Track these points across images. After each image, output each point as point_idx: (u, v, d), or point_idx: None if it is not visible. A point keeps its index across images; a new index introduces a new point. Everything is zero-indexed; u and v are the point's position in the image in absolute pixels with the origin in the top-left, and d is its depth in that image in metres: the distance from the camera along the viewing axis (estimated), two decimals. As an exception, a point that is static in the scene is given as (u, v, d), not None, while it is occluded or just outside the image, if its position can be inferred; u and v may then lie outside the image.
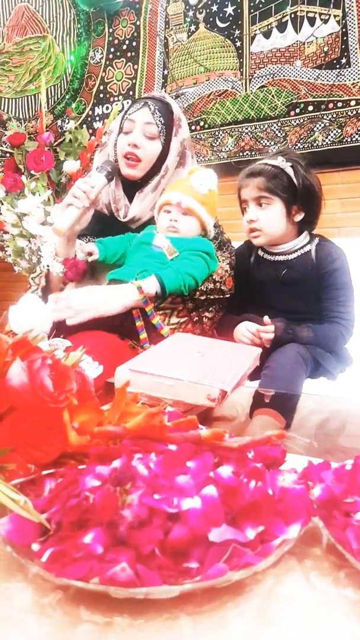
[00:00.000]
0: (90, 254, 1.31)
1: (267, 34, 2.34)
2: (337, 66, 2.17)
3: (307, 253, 1.37)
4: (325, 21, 2.19)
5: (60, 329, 1.10)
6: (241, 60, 2.42)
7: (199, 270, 1.23)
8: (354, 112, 2.15)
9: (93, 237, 1.40)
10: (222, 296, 1.31)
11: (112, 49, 2.80)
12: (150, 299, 1.20)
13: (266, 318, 1.28)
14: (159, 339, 1.17)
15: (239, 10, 2.40)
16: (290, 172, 1.32)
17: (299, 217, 1.36)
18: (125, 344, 1.22)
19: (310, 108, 2.25)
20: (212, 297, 1.28)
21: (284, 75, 2.31)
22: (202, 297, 1.27)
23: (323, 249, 1.37)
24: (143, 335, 1.20)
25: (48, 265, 1.35)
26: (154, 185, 1.36)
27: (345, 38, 2.15)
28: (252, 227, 1.35)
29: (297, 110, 2.28)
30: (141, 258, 1.26)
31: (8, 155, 2.93)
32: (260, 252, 1.44)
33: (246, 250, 1.48)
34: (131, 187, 1.38)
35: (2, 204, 2.50)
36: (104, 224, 1.40)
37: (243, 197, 1.37)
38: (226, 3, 2.43)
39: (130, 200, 1.39)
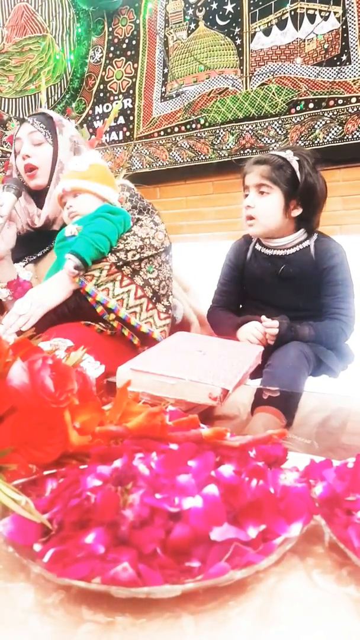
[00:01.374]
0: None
1: (267, 32, 2.33)
2: (338, 63, 2.17)
3: (306, 248, 1.37)
4: (326, 18, 2.18)
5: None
6: (241, 58, 2.42)
7: (103, 227, 1.25)
8: (355, 109, 2.14)
9: (30, 256, 1.46)
10: (155, 251, 1.31)
11: (112, 48, 2.80)
12: (85, 277, 1.23)
13: (264, 317, 1.28)
14: (115, 313, 1.21)
15: (238, 8, 2.40)
16: (296, 165, 1.32)
17: (296, 212, 1.36)
18: (92, 330, 1.24)
19: (311, 105, 2.24)
20: (145, 254, 1.29)
21: (284, 73, 2.30)
22: (135, 258, 1.28)
23: (322, 244, 1.37)
24: (99, 308, 1.22)
25: None
26: (54, 181, 1.41)
27: (345, 35, 2.14)
28: (249, 213, 1.35)
29: (298, 108, 2.27)
30: (64, 253, 1.28)
31: (8, 155, 2.93)
32: (257, 246, 1.43)
33: (244, 244, 1.47)
34: (43, 198, 1.44)
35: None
36: (32, 240, 1.46)
37: (246, 183, 1.38)
38: (226, 1, 2.43)
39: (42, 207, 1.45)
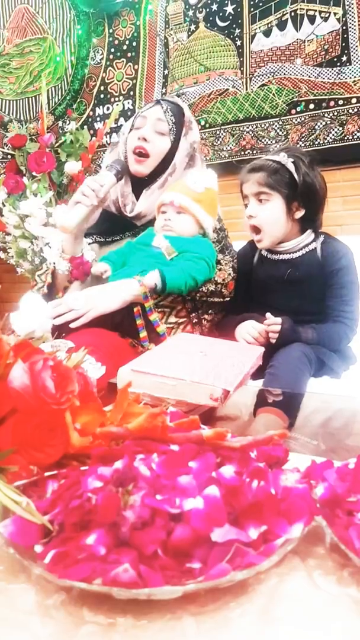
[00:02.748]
0: (103, 272, 1.31)
1: (267, 33, 2.33)
2: (338, 64, 2.17)
3: (312, 251, 1.35)
4: (326, 19, 2.18)
5: (61, 327, 1.11)
6: (241, 59, 2.42)
7: (200, 274, 1.23)
8: (355, 110, 2.14)
9: (99, 237, 1.41)
10: (222, 299, 1.31)
11: (112, 50, 2.80)
12: (151, 295, 1.20)
13: (269, 314, 1.27)
14: (158, 338, 1.18)
15: (239, 9, 2.40)
16: (292, 167, 1.30)
17: (299, 214, 1.34)
18: (126, 342, 1.23)
19: (312, 106, 2.24)
20: (212, 299, 1.28)
21: (284, 74, 2.30)
22: (202, 299, 1.27)
23: (329, 246, 1.35)
24: (143, 333, 1.21)
25: (54, 263, 1.34)
26: (161, 182, 1.37)
27: (345, 36, 2.14)
28: (252, 223, 1.34)
29: (298, 109, 2.28)
30: (141, 258, 1.27)
31: (9, 157, 2.93)
32: (263, 252, 1.42)
33: (250, 250, 1.46)
34: (138, 185, 1.39)
35: (4, 205, 2.51)
36: (110, 222, 1.41)
37: (244, 192, 1.36)
38: (226, 2, 2.43)
39: (138, 197, 1.40)
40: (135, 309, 1.21)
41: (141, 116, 1.37)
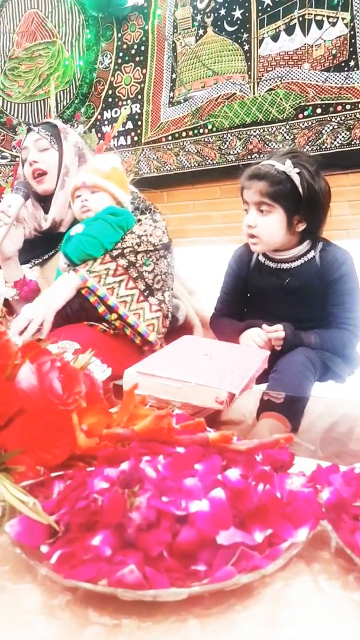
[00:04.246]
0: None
1: (275, 37, 2.34)
2: (346, 69, 2.17)
3: (311, 260, 1.32)
4: (334, 24, 2.18)
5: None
6: (249, 63, 2.42)
7: (97, 229, 1.28)
8: (363, 115, 2.14)
9: (36, 259, 1.49)
10: (152, 247, 1.34)
11: (120, 54, 2.82)
12: (73, 267, 1.27)
13: (264, 326, 1.26)
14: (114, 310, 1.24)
15: (247, 14, 2.41)
16: (296, 179, 1.24)
17: (300, 227, 1.29)
18: (95, 330, 1.26)
19: (319, 111, 2.24)
20: (141, 249, 1.32)
21: (292, 78, 2.30)
22: (132, 253, 1.30)
23: (328, 254, 1.31)
24: (101, 308, 1.25)
25: (2, 294, 1.43)
26: (60, 184, 1.45)
27: (353, 41, 2.14)
28: (250, 232, 1.31)
29: (306, 113, 2.28)
30: None
31: (17, 159, 2.95)
32: (260, 258, 1.39)
33: (246, 253, 1.42)
34: (49, 203, 1.47)
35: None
36: (41, 245, 1.50)
37: (245, 198, 1.32)
38: (234, 7, 2.44)
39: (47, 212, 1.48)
40: (83, 291, 1.26)
41: (23, 149, 1.48)
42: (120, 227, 1.32)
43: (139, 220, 1.37)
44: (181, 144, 2.64)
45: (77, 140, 1.51)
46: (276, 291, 1.35)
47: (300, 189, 1.24)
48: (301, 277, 1.32)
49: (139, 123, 2.76)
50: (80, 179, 1.34)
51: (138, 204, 1.44)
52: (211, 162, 2.56)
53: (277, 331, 1.24)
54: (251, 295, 1.43)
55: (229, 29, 2.47)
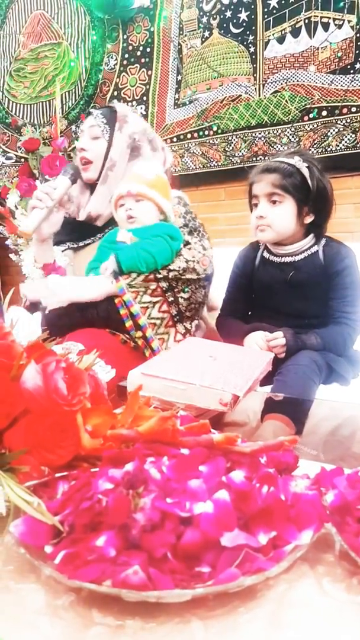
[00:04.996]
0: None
1: (281, 40, 2.34)
2: (351, 71, 2.16)
3: (314, 254, 1.35)
4: (340, 26, 2.18)
5: (52, 331, 1.13)
6: (255, 65, 2.42)
7: (157, 248, 1.25)
8: (368, 117, 2.14)
9: (72, 243, 1.46)
10: (196, 276, 1.32)
11: (126, 55, 2.82)
12: (118, 276, 1.25)
13: (265, 334, 1.27)
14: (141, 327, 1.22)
15: (252, 16, 2.41)
16: (306, 172, 1.29)
17: (308, 219, 1.34)
18: (116, 339, 1.25)
19: (324, 113, 2.24)
20: (185, 276, 1.30)
21: (297, 81, 2.30)
22: (176, 277, 1.29)
23: (331, 249, 1.35)
24: (128, 323, 1.23)
25: (27, 273, 1.40)
26: (102, 178, 1.41)
27: (359, 43, 2.14)
28: (262, 224, 1.32)
29: (311, 115, 2.27)
30: (109, 254, 1.29)
31: (23, 160, 2.96)
32: (265, 254, 1.41)
33: (251, 251, 1.45)
34: (94, 191, 1.44)
35: (17, 208, 2.53)
36: (79, 230, 1.46)
37: (254, 192, 1.34)
38: (240, 9, 2.44)
39: None
40: (116, 301, 1.24)
41: (81, 132, 1.45)
42: (176, 251, 1.29)
43: (187, 242, 1.34)
44: (186, 145, 2.64)
45: (135, 131, 1.43)
46: (280, 285, 1.36)
47: (310, 182, 1.29)
48: (305, 271, 1.34)
49: (144, 124, 2.77)
50: (125, 188, 1.30)
51: (188, 221, 1.40)
52: (216, 164, 2.56)
53: (277, 338, 1.24)
54: (256, 291, 1.43)
55: (234, 30, 2.47)
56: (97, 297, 1.23)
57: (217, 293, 1.60)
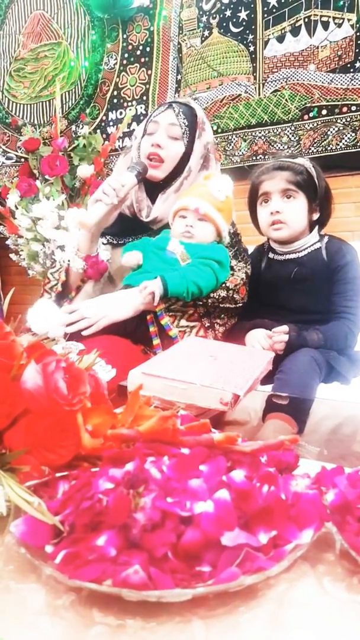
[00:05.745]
0: (137, 262, 1.31)
1: (280, 39, 2.34)
2: (351, 70, 2.16)
3: (317, 250, 1.38)
4: (339, 25, 2.18)
5: (73, 333, 1.12)
6: (254, 64, 2.42)
7: (204, 280, 1.23)
8: (368, 116, 2.14)
9: (113, 238, 1.42)
10: (234, 305, 1.30)
11: (126, 55, 2.82)
12: (162, 300, 1.21)
13: (274, 330, 1.28)
14: (171, 343, 1.18)
15: (252, 15, 2.41)
16: (313, 171, 1.36)
17: (315, 216, 1.38)
18: (137, 349, 1.23)
19: (324, 112, 2.24)
20: (223, 305, 1.28)
21: (297, 80, 2.30)
22: (214, 304, 1.27)
23: (334, 245, 1.38)
24: (156, 341, 1.21)
25: (69, 260, 1.35)
26: (176, 186, 1.36)
27: (359, 42, 2.14)
28: (277, 218, 1.34)
29: (311, 114, 2.27)
30: (155, 263, 1.27)
31: (23, 160, 2.96)
32: (270, 255, 1.44)
33: (257, 254, 1.48)
34: (152, 189, 1.39)
35: (17, 208, 2.53)
36: (123, 225, 1.41)
37: (265, 189, 1.37)
38: (240, 8, 2.44)
39: (152, 201, 1.40)
40: (148, 317, 1.22)
41: (153, 121, 1.36)
42: (222, 281, 1.27)
43: (231, 268, 1.31)
44: (186, 145, 2.64)
45: (208, 141, 1.39)
46: (284, 282, 1.38)
47: (317, 180, 1.36)
48: (308, 266, 1.36)
49: (144, 124, 2.77)
50: (193, 204, 1.25)
51: (235, 243, 1.37)
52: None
53: (281, 334, 1.25)
54: (261, 289, 1.44)
55: (234, 30, 2.47)
56: (132, 314, 1.20)
57: None
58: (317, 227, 1.41)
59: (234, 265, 1.33)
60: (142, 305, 1.20)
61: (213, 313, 1.28)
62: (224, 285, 1.28)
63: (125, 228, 1.41)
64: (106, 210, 1.24)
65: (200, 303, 1.26)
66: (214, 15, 2.52)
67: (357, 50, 2.15)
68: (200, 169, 1.39)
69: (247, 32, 2.43)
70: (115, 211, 1.31)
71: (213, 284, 1.25)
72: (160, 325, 1.22)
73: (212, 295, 1.27)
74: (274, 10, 2.34)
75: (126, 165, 1.37)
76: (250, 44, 2.43)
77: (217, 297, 1.27)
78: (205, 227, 1.28)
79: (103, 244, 1.40)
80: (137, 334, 1.23)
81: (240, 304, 1.33)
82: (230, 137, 2.50)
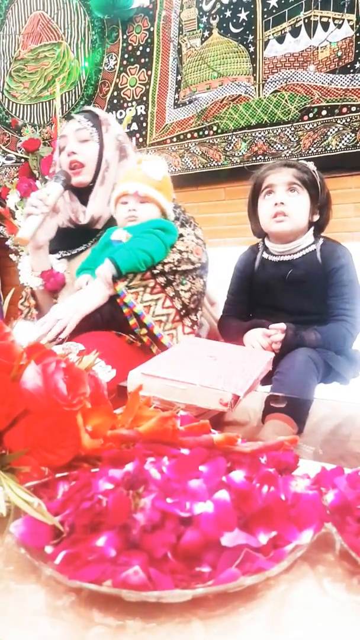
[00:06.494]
0: (86, 283, 1.35)
1: (280, 39, 2.34)
2: (351, 70, 2.16)
3: (312, 252, 1.38)
4: (339, 26, 2.18)
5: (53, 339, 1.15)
6: (254, 65, 2.42)
7: (151, 245, 1.26)
8: (368, 116, 2.14)
9: (65, 252, 1.46)
10: (192, 266, 1.32)
11: (126, 55, 2.82)
12: (118, 279, 1.25)
13: (272, 326, 1.28)
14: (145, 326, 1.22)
15: (252, 16, 2.41)
16: (317, 175, 1.37)
17: (315, 218, 1.39)
18: (122, 341, 1.25)
19: (324, 112, 2.24)
20: (181, 268, 1.30)
21: (297, 80, 2.30)
22: (172, 270, 1.29)
23: (328, 247, 1.38)
24: (132, 321, 1.23)
25: (27, 282, 1.41)
26: (100, 180, 1.41)
27: (359, 42, 2.14)
28: (281, 210, 1.34)
29: (311, 115, 2.27)
30: (104, 256, 1.30)
31: (23, 160, 2.96)
32: (264, 255, 1.44)
33: (251, 254, 1.48)
34: (83, 195, 1.44)
35: (17, 208, 2.53)
36: (72, 237, 1.47)
37: (270, 182, 1.37)
38: (240, 9, 2.44)
39: (86, 205, 1.45)
40: (118, 300, 1.25)
41: (62, 137, 1.43)
42: (170, 245, 1.30)
43: (181, 235, 1.35)
44: (186, 145, 2.64)
45: (119, 133, 1.46)
46: (279, 283, 1.38)
47: (319, 183, 1.37)
48: (302, 268, 1.37)
49: (144, 125, 2.77)
50: (133, 188, 1.30)
51: (178, 215, 1.41)
52: (216, 164, 2.56)
53: (278, 331, 1.25)
54: (256, 292, 1.44)
55: (234, 30, 2.47)
56: (102, 302, 1.24)
57: (215, 287, 1.61)
58: (313, 230, 1.41)
59: (182, 232, 1.37)
60: (106, 290, 1.24)
61: (174, 280, 1.29)
62: (175, 249, 1.31)
63: (75, 239, 1.47)
64: (39, 221, 1.29)
65: (158, 272, 1.27)
66: (214, 16, 2.52)
67: (357, 50, 2.15)
68: (120, 159, 1.44)
69: (247, 32, 2.43)
70: (51, 222, 1.36)
71: (162, 248, 1.28)
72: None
73: (166, 261, 1.29)
74: (274, 11, 2.34)
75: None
76: (250, 45, 2.43)
77: (172, 261, 1.29)
78: (148, 208, 1.32)
79: (57, 259, 1.44)
80: (117, 321, 1.25)
81: (200, 265, 1.35)
82: (230, 138, 2.50)
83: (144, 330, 1.24)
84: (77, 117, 1.42)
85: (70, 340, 1.14)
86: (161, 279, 1.27)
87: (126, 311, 1.23)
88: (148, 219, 1.31)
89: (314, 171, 1.38)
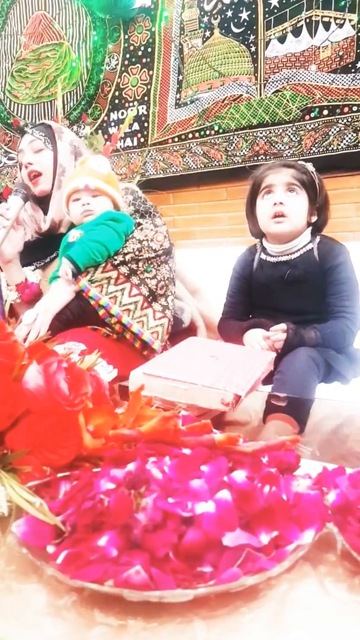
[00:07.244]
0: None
1: (282, 39, 2.34)
2: (353, 70, 2.16)
3: (309, 251, 1.38)
4: (341, 25, 2.18)
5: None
6: (256, 65, 2.42)
7: (103, 235, 1.27)
8: (370, 116, 2.13)
9: (38, 262, 1.49)
10: (154, 253, 1.33)
11: (127, 55, 2.82)
12: (77, 276, 1.26)
13: (272, 328, 1.28)
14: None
15: (253, 16, 2.41)
16: (316, 177, 1.38)
17: (313, 219, 1.39)
18: (98, 334, 1.26)
19: (325, 112, 2.24)
20: (143, 256, 1.31)
21: (298, 80, 2.30)
22: (134, 259, 1.29)
23: (325, 246, 1.38)
24: (101, 311, 1.24)
25: (6, 299, 1.43)
26: (57, 185, 1.44)
27: (360, 42, 2.14)
28: (280, 210, 1.34)
29: (312, 115, 2.27)
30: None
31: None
32: (262, 256, 1.44)
33: (249, 255, 1.48)
34: (45, 204, 1.47)
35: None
36: (42, 247, 1.49)
37: (269, 182, 1.38)
38: (241, 8, 2.44)
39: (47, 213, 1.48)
40: (84, 294, 1.26)
41: (20, 152, 1.47)
42: (123, 233, 1.31)
43: (139, 224, 1.37)
44: (187, 145, 2.64)
45: (73, 139, 1.50)
46: (278, 284, 1.39)
47: (317, 184, 1.38)
48: (301, 268, 1.37)
49: (146, 124, 2.77)
50: (82, 182, 1.32)
51: (138, 206, 1.43)
52: (217, 164, 2.55)
53: (279, 332, 1.26)
54: (255, 293, 1.45)
55: (235, 30, 2.47)
56: (69, 298, 1.25)
57: (210, 283, 1.62)
58: (313, 232, 1.41)
59: (142, 222, 1.37)
60: (70, 287, 1.25)
61: (138, 269, 1.30)
62: (135, 239, 1.32)
63: (45, 249, 1.49)
64: (2, 235, 1.32)
65: (118, 262, 1.28)
66: (215, 16, 2.52)
67: (358, 50, 2.15)
68: (76, 164, 1.46)
69: (249, 32, 2.43)
70: (17, 234, 1.38)
71: (115, 237, 1.29)
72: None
73: (127, 251, 1.30)
74: (275, 11, 2.34)
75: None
76: (251, 45, 2.43)
77: (132, 250, 1.30)
78: (101, 201, 1.33)
79: (32, 270, 1.47)
80: (89, 315, 1.25)
81: (162, 251, 1.35)
82: (231, 138, 2.50)
83: (114, 319, 1.25)
84: (29, 130, 1.46)
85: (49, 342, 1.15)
86: (124, 269, 1.28)
87: (93, 303, 1.25)
88: (103, 211, 1.33)
89: (312, 172, 1.38)
